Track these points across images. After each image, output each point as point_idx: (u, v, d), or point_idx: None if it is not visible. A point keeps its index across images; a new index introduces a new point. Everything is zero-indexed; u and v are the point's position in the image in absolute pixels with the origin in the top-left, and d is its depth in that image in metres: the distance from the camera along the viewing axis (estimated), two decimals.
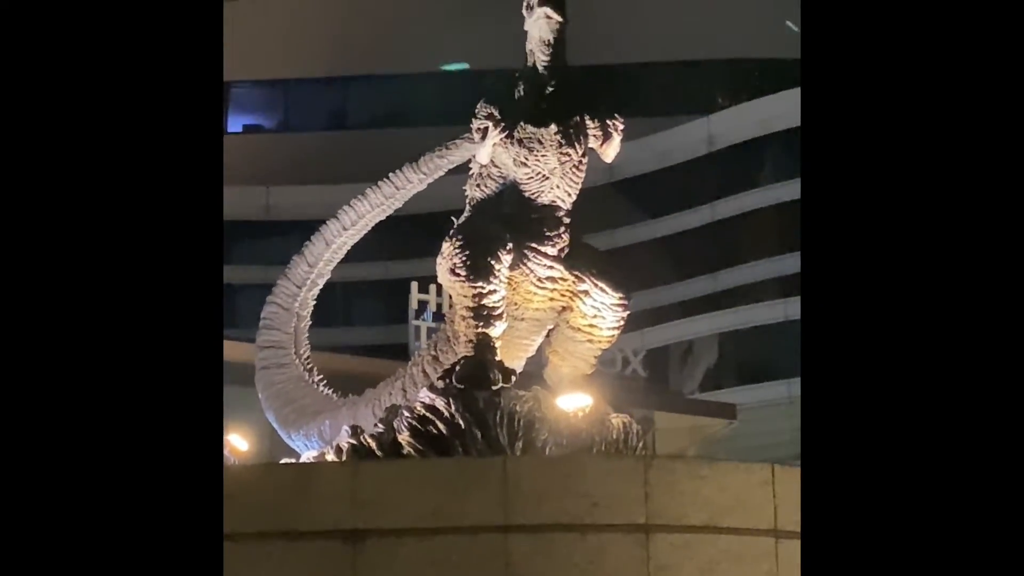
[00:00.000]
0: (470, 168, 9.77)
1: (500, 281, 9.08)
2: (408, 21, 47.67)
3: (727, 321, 40.03)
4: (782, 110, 40.46)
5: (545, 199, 9.37)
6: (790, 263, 39.61)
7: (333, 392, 10.68)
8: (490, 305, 9.06)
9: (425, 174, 10.34)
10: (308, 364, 10.83)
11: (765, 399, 36.96)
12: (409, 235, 29.75)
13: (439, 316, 25.73)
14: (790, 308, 39.36)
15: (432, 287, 26.02)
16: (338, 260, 10.80)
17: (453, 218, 9.59)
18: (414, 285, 26.49)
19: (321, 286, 10.87)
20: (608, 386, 10.20)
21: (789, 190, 40.16)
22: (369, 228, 10.68)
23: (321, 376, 10.81)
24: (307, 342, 10.93)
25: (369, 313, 42.07)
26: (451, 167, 10.32)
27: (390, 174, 10.47)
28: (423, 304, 26.35)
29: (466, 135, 9.80)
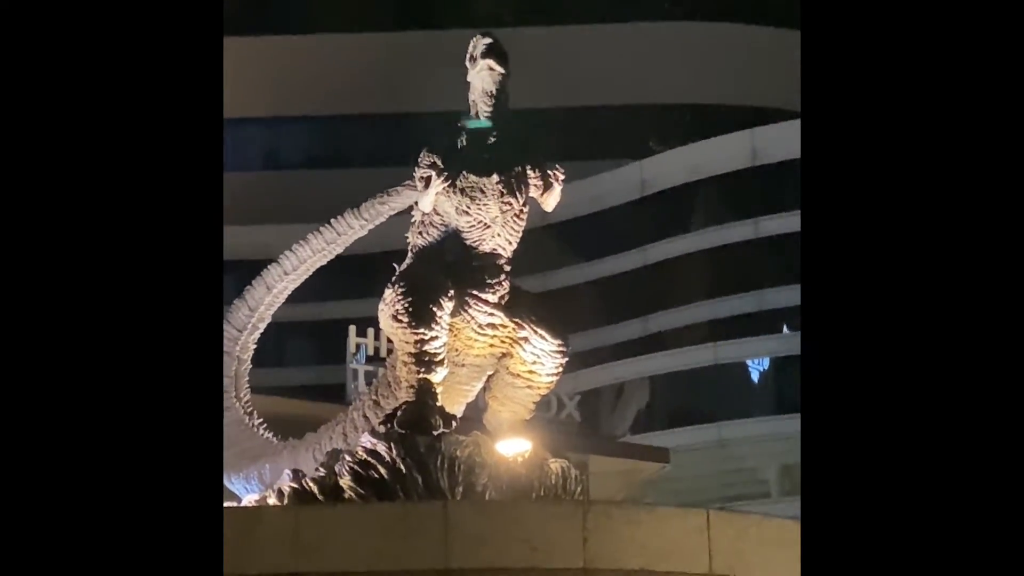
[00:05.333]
0: (411, 214, 9.90)
1: (442, 328, 9.22)
2: (342, 63, 47.83)
3: (658, 364, 40.30)
4: (713, 156, 40.97)
5: (486, 247, 9.53)
6: (720, 307, 40.01)
7: (273, 435, 10.75)
8: (432, 351, 9.19)
9: (366, 220, 10.43)
10: (248, 407, 10.88)
11: (694, 442, 37.24)
12: (341, 276, 29.80)
13: (373, 359, 25.75)
14: (720, 352, 39.75)
15: (370, 331, 26.04)
16: (279, 304, 10.88)
17: (395, 265, 9.71)
18: (352, 329, 26.51)
19: (262, 330, 10.94)
20: (544, 430, 10.33)
21: (720, 235, 40.61)
22: (310, 273, 10.76)
23: (261, 419, 10.87)
24: (247, 386, 10.99)
25: (301, 354, 41.99)
26: (392, 213, 10.43)
27: (331, 220, 10.56)
28: (360, 348, 26.33)
29: (407, 182, 9.94)
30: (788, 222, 39.40)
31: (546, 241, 38.47)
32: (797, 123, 40.94)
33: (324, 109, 48.07)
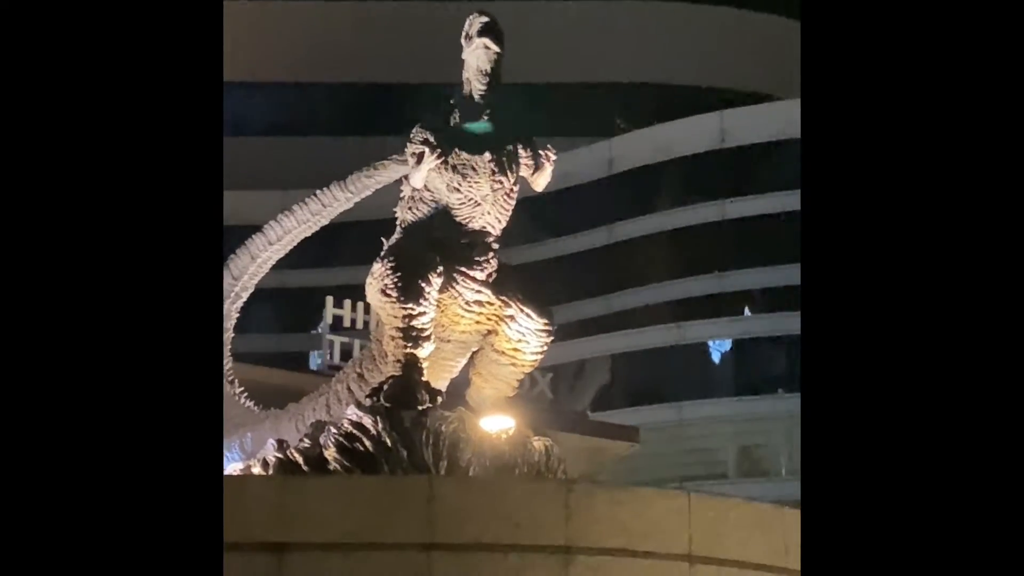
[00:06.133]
0: (400, 189, 9.93)
1: (430, 303, 9.28)
2: (311, 31, 47.68)
3: (620, 343, 40.48)
4: (682, 136, 41.10)
5: (476, 225, 9.60)
6: (684, 287, 40.19)
7: (254, 405, 10.77)
8: (419, 326, 9.25)
9: (352, 193, 10.45)
10: (230, 376, 10.90)
11: (654, 421, 37.44)
12: (306, 245, 29.73)
13: (340, 329, 25.71)
14: (682, 332, 39.95)
15: (347, 302, 25.93)
16: (262, 274, 10.89)
17: (383, 239, 9.75)
18: (329, 300, 26.40)
19: (245, 299, 10.96)
20: (524, 407, 10.42)
21: (686, 216, 40.78)
22: (294, 244, 10.78)
23: (243, 388, 10.90)
24: (230, 354, 11.00)
25: (263, 321, 41.91)
26: (378, 187, 10.46)
27: (317, 191, 10.57)
28: (338, 319, 26.20)
29: (395, 156, 9.97)
30: (754, 205, 39.64)
31: (514, 216, 38.55)
32: (766, 106, 41.22)
33: (291, 76, 47.92)
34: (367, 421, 9.00)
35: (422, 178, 9.53)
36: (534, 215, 40.33)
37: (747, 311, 40.33)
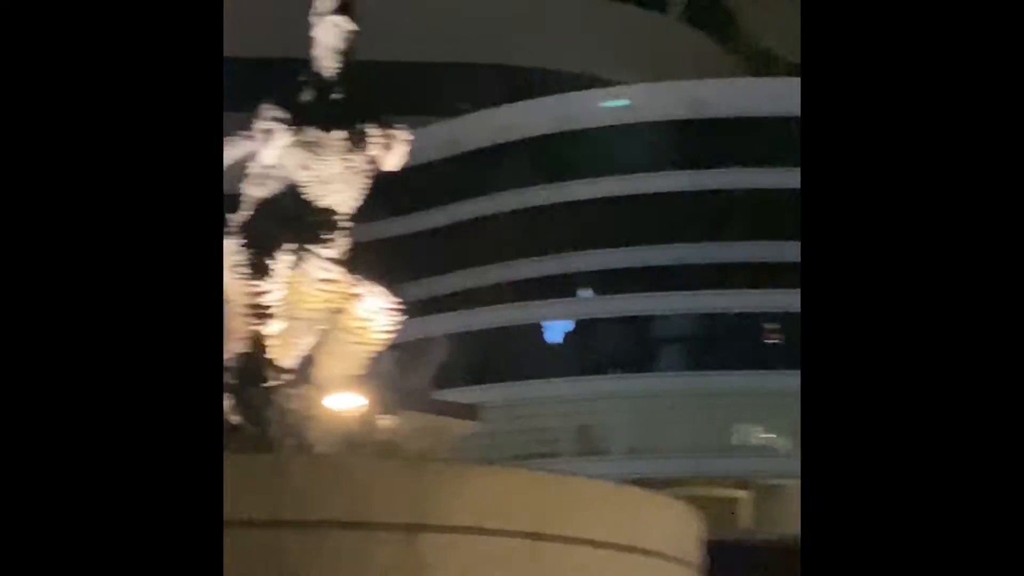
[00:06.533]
0: (249, 165, 9.87)
1: (278, 281, 9.28)
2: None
3: (461, 322, 40.63)
4: (524, 119, 41.34)
5: (326, 203, 9.59)
6: (523, 268, 40.48)
7: None
8: (266, 304, 9.24)
9: None
10: None
11: (491, 400, 37.62)
12: None
13: None
14: (520, 312, 40.28)
15: None
16: None
17: (228, 216, 9.69)
18: None
19: None
20: (371, 386, 10.47)
21: (528, 197, 41.06)
22: None
23: None
24: None
25: None
26: (226, 164, 10.35)
27: None
28: None
29: (242, 132, 9.89)
30: (595, 188, 40.05)
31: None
32: (609, 91, 41.39)
33: None
34: None
35: (273, 155, 9.49)
36: (377, 193, 40.28)
37: (584, 292, 40.80)
